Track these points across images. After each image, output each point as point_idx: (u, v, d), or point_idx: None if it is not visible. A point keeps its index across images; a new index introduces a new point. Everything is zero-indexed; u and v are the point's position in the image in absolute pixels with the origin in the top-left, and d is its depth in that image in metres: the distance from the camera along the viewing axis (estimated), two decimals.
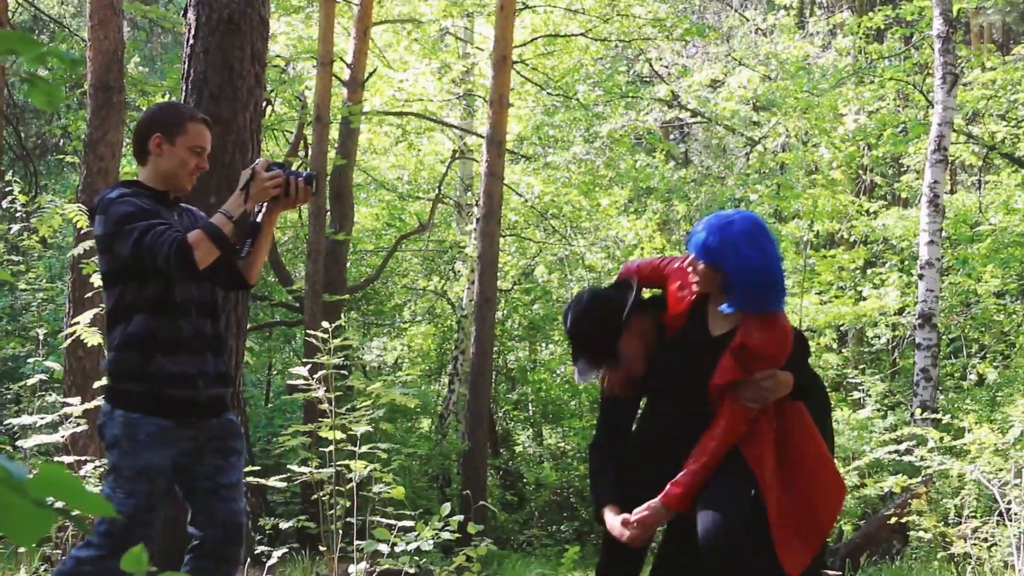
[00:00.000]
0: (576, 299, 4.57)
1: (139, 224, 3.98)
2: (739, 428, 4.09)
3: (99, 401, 6.20)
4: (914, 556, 9.90)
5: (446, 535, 5.96)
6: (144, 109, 16.59)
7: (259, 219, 4.28)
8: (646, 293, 4.55)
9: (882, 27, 17.41)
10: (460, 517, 6.15)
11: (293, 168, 4.34)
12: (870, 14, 17.35)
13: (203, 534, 4.16)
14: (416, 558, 6.03)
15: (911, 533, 8.83)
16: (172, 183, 4.25)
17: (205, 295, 4.26)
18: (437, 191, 19.75)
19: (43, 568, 6.04)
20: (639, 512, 4.13)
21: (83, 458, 6.13)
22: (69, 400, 6.04)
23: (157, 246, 3.94)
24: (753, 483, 4.05)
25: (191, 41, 5.10)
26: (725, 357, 4.13)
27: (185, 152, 4.20)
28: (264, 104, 5.65)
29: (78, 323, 5.97)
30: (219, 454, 4.20)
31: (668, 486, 4.09)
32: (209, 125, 4.34)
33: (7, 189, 14.87)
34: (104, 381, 4.15)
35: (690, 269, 4.21)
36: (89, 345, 6.22)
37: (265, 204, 4.25)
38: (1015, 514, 6.82)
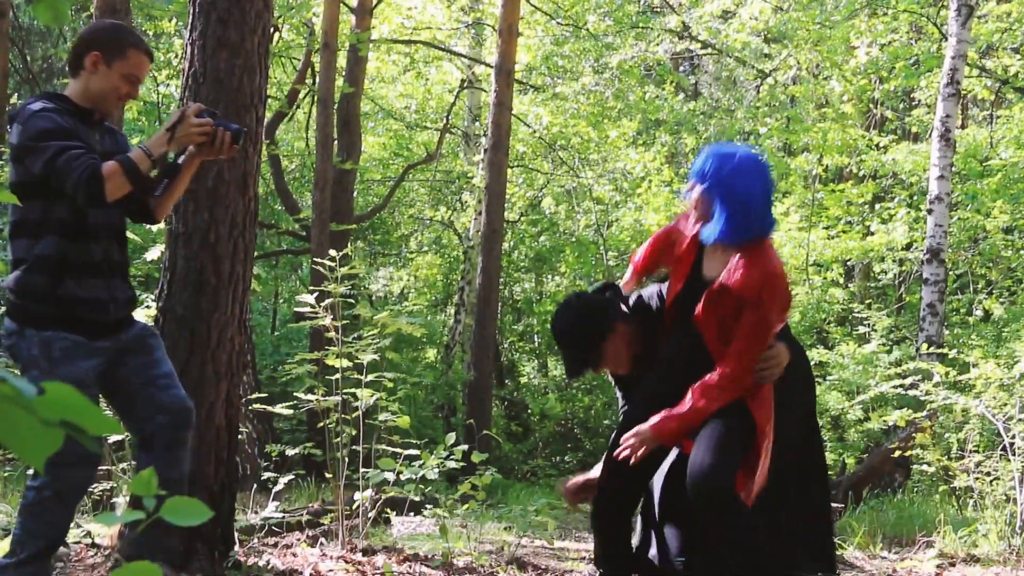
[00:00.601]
0: (564, 302, 4.70)
1: (55, 143, 3.90)
2: (743, 378, 4.07)
3: None
4: (916, 489, 9.96)
5: (451, 464, 5.99)
6: (151, 33, 16.53)
7: (180, 161, 4.24)
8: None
9: None
10: (465, 446, 6.18)
11: (225, 120, 4.28)
12: None
13: (148, 425, 4.09)
14: (421, 486, 6.07)
15: (914, 467, 8.89)
16: (99, 104, 4.17)
17: (114, 219, 4.19)
18: (445, 121, 19.65)
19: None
20: (627, 436, 4.15)
21: None
22: None
23: (70, 170, 3.87)
24: (751, 436, 4.07)
25: None
26: (704, 297, 4.14)
27: (119, 78, 4.13)
28: (272, 30, 5.61)
29: None
30: (141, 352, 4.16)
31: (661, 416, 4.11)
32: (151, 57, 4.26)
33: (13, 112, 14.80)
34: (7, 297, 4.07)
35: (691, 196, 4.25)
36: None
37: (189, 150, 4.20)
38: (1018, 448, 6.84)
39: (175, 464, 4.09)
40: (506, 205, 16.23)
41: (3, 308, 4.26)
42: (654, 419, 4.11)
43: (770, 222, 4.26)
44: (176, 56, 16.08)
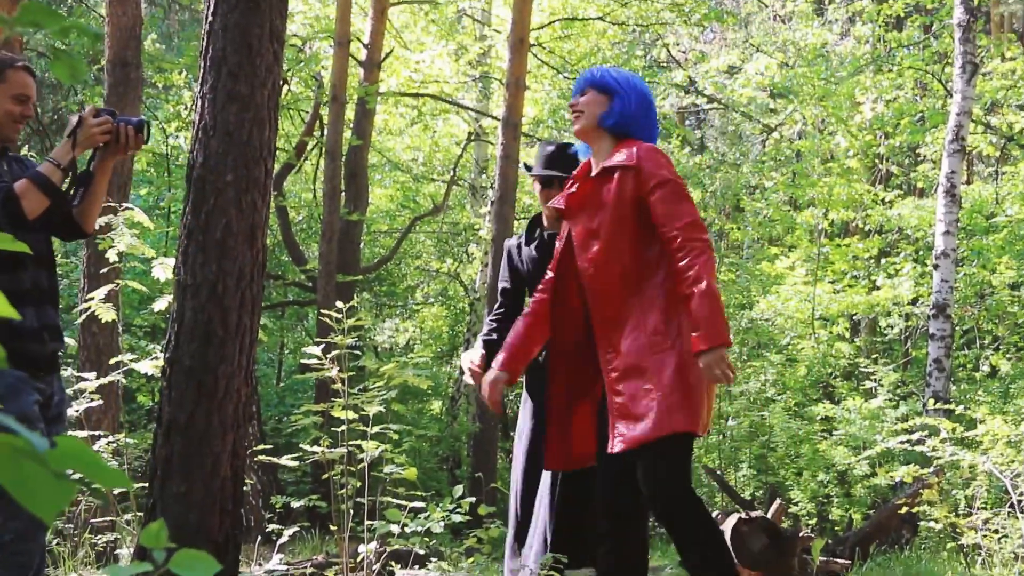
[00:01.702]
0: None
1: None
2: (699, 232, 4.00)
3: (115, 376, 6.24)
4: (924, 546, 9.89)
5: (456, 517, 5.98)
6: (161, 86, 16.65)
7: (92, 167, 4.26)
8: None
9: (902, 15, 17.32)
10: (471, 499, 6.16)
11: (137, 118, 4.33)
12: (890, 1, 17.26)
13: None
14: (427, 539, 6.05)
15: (921, 523, 8.83)
16: None
17: (41, 246, 4.17)
18: (452, 173, 19.74)
19: (56, 542, 6.08)
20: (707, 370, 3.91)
21: (96, 433, 6.16)
22: (83, 375, 6.06)
23: None
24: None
25: (210, 18, 5.08)
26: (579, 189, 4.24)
27: (7, 100, 4.12)
28: (282, 83, 5.64)
29: (92, 299, 5.99)
30: (57, 418, 4.19)
31: (702, 326, 3.86)
32: (32, 73, 4.24)
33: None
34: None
35: (572, 107, 4.35)
36: (103, 321, 6.25)
37: (98, 153, 4.22)
38: None
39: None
40: None
41: None
42: (700, 333, 3.86)
43: (655, 128, 4.38)
44: (186, 108, 16.18)
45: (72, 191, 4.23)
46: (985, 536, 7.19)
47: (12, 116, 4.15)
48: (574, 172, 4.42)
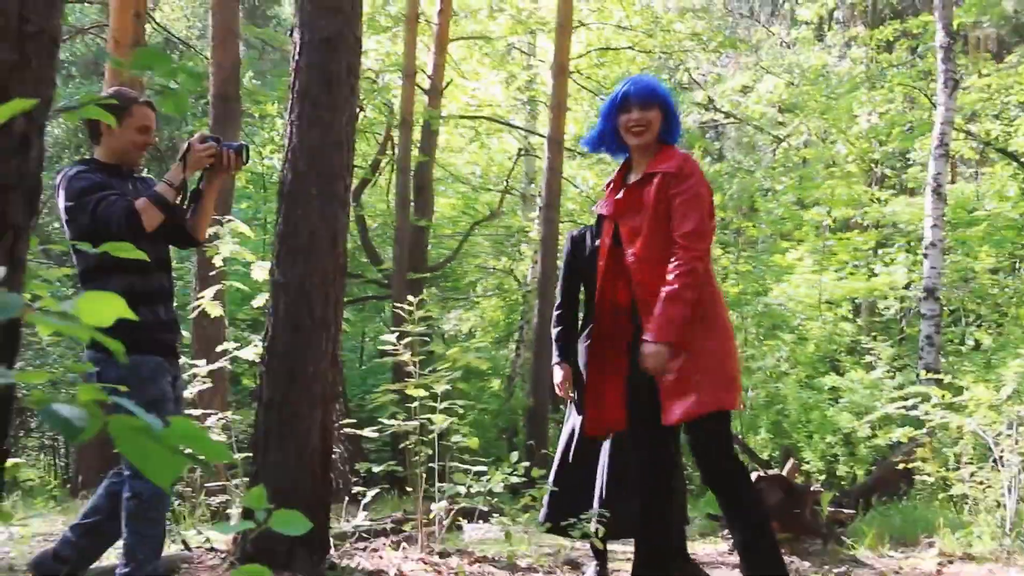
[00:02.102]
0: None
1: (93, 196, 3.95)
2: (699, 242, 3.83)
3: (222, 363, 6.31)
4: (919, 497, 9.79)
5: (514, 479, 5.98)
6: (257, 116, 16.79)
7: (201, 186, 4.29)
8: None
9: (891, 39, 17.11)
10: (526, 463, 6.17)
11: (237, 142, 4.36)
12: (881, 28, 17.06)
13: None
14: (489, 498, 6.06)
15: (916, 477, 8.74)
16: (123, 159, 4.21)
17: (160, 253, 4.22)
18: (505, 184, 19.74)
19: (177, 503, 6.15)
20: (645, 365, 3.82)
21: (208, 411, 6.22)
22: (196, 362, 6.12)
23: (109, 214, 3.91)
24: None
25: (296, 57, 5.12)
26: (626, 192, 3.99)
27: (132, 132, 4.16)
28: (357, 110, 5.67)
29: (202, 297, 6.05)
30: (178, 399, 4.23)
31: (656, 322, 3.78)
32: (152, 107, 4.24)
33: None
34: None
35: (634, 122, 3.98)
36: (212, 316, 6.31)
37: (206, 174, 4.25)
38: (1007, 460, 6.73)
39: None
40: (558, 255, 16.25)
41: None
42: (652, 326, 3.78)
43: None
44: (278, 134, 16.29)
45: (186, 207, 4.29)
46: (971, 487, 7.10)
47: (136, 145, 4.20)
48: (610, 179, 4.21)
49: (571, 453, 5.10)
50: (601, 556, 5.19)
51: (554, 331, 5.25)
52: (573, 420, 5.14)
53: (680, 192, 3.85)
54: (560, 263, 5.75)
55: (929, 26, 14.93)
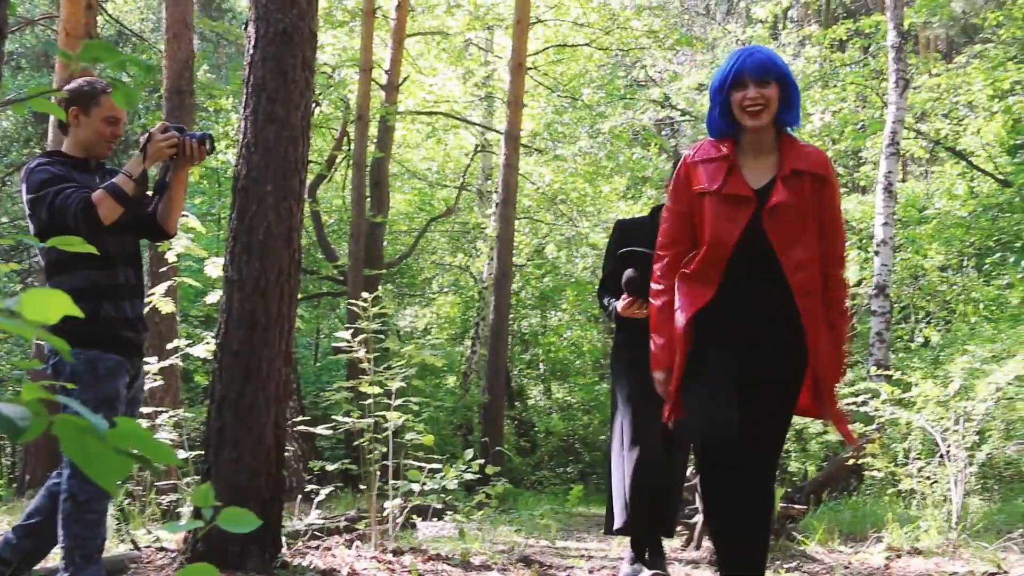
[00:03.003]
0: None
1: (51, 188, 3.89)
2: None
3: (174, 360, 6.25)
4: (868, 492, 9.91)
5: (468, 476, 5.98)
6: (211, 110, 16.65)
7: (168, 178, 4.21)
8: None
9: (844, 38, 17.28)
10: (480, 461, 6.17)
11: (201, 132, 4.28)
12: (834, 27, 17.22)
13: None
14: (443, 495, 6.06)
15: (866, 473, 8.83)
16: (91, 150, 4.10)
17: (127, 247, 4.14)
18: (462, 180, 19.73)
19: (127, 502, 6.08)
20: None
21: (160, 409, 6.17)
22: (148, 359, 6.07)
23: (66, 206, 3.84)
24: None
25: (251, 51, 5.08)
26: (779, 185, 3.45)
27: (100, 122, 4.06)
28: (313, 105, 5.65)
29: (154, 294, 5.99)
30: (138, 391, 4.17)
31: (831, 364, 3.47)
32: None
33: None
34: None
35: (751, 100, 3.46)
36: (164, 312, 6.25)
37: (172, 164, 4.18)
38: (953, 455, 6.82)
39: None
40: (514, 251, 16.27)
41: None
42: (823, 371, 3.44)
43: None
44: (233, 128, 16.16)
45: (152, 198, 4.22)
46: (919, 482, 7.19)
47: (104, 136, 4.10)
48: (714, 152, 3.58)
49: (643, 457, 4.83)
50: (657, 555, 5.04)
51: (603, 300, 5.05)
52: (632, 422, 4.87)
53: (834, 206, 3.51)
54: (516, 260, 5.68)
55: (881, 26, 15.11)
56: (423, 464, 5.84)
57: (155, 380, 6.03)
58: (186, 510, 5.75)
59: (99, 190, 3.90)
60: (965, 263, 16.59)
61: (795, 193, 3.43)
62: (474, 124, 20.07)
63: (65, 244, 1.81)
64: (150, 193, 4.26)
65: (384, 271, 16.66)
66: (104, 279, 4.01)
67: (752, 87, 3.46)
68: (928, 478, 7.20)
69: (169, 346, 6.34)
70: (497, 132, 18.05)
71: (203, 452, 4.87)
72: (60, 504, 3.87)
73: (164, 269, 7.12)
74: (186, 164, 4.18)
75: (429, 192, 21.17)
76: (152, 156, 4.05)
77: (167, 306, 6.01)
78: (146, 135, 4.08)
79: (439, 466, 5.90)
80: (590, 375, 19.71)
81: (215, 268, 5.81)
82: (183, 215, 5.94)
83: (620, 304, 4.84)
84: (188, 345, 6.09)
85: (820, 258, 3.46)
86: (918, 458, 7.71)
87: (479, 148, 20.15)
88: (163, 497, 6.35)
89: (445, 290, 21.91)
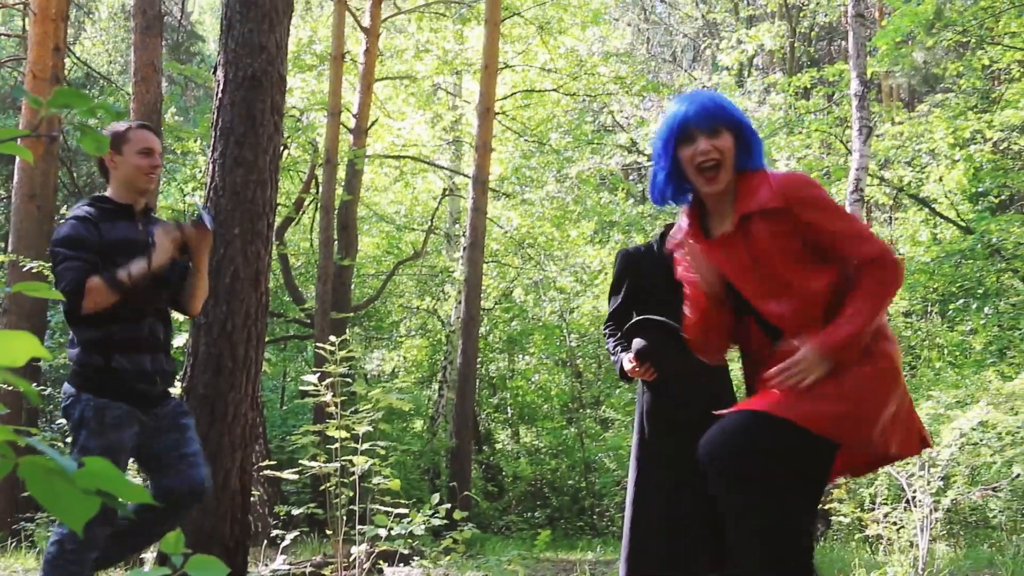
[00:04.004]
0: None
1: (63, 251, 3.91)
2: (886, 251, 2.95)
3: None
4: (835, 537, 9.92)
5: (436, 521, 5.95)
6: (179, 152, 16.62)
7: (189, 264, 4.20)
8: None
9: (808, 86, 17.54)
10: (448, 505, 6.15)
11: (194, 214, 4.28)
12: (798, 75, 17.48)
13: (174, 493, 3.95)
14: (410, 540, 6.02)
15: (832, 518, 8.87)
16: (133, 187, 4.12)
17: (158, 301, 4.15)
18: (429, 223, 19.76)
19: None
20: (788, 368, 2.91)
21: None
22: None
23: (61, 279, 3.87)
24: None
25: (220, 95, 5.11)
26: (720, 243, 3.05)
27: (134, 156, 4.10)
28: (282, 148, 5.67)
29: None
30: (175, 429, 4.09)
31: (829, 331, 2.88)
32: (152, 129, 4.21)
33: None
34: (71, 366, 4.03)
35: (702, 156, 3.00)
36: None
37: (190, 253, 4.16)
38: (919, 501, 6.86)
39: (176, 522, 4.00)
40: (482, 295, 16.27)
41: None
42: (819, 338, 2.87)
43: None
44: (200, 172, 16.14)
45: (179, 284, 4.21)
46: (886, 527, 7.22)
47: (142, 168, 4.12)
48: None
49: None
50: None
51: (610, 341, 4.85)
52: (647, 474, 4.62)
53: (820, 229, 2.95)
54: (484, 303, 5.64)
55: (844, 74, 15.35)
56: (390, 509, 5.81)
57: None
58: (150, 556, 5.68)
59: (97, 278, 3.89)
60: (929, 309, 16.77)
61: (748, 246, 2.99)
62: (442, 168, 20.15)
63: (30, 290, 1.80)
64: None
65: (352, 314, 16.61)
66: (121, 331, 4.00)
67: (702, 139, 2.99)
68: (894, 523, 7.24)
69: None
70: (465, 176, 18.12)
71: None
72: (47, 547, 3.88)
73: None
74: (199, 250, 4.16)
75: (397, 235, 21.18)
76: (157, 260, 4.02)
77: None
78: (152, 242, 4.06)
79: (406, 511, 5.87)
80: (558, 419, 19.68)
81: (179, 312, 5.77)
82: None
83: (627, 365, 4.62)
84: None
85: (834, 285, 2.96)
86: (884, 503, 7.75)
87: (447, 192, 20.22)
88: None
89: (412, 334, 21.86)
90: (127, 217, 4.12)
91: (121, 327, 4.00)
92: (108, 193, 4.17)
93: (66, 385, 4.04)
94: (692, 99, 3.05)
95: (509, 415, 20.85)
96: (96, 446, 3.85)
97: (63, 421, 4.01)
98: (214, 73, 5.24)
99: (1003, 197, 16.81)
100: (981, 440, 8.10)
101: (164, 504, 3.97)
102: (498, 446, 20.42)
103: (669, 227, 4.32)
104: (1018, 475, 7.88)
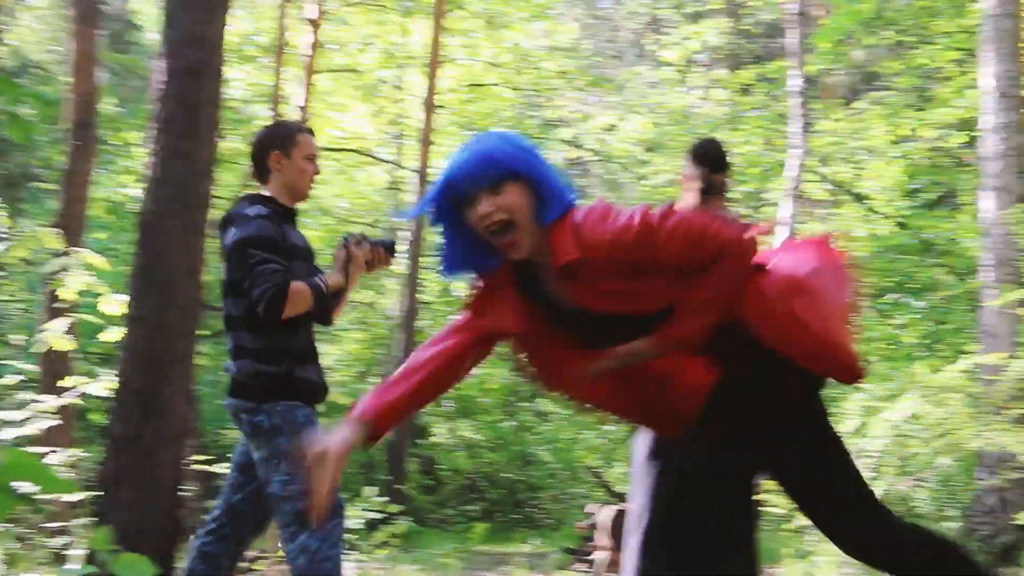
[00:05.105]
0: None
1: (258, 252, 3.72)
2: (742, 245, 2.58)
3: (70, 398, 6.13)
4: (766, 528, 10.08)
5: (371, 514, 5.96)
6: (118, 144, 16.40)
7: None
8: None
9: (751, 82, 17.74)
10: (384, 499, 6.17)
11: (386, 239, 4.18)
12: (740, 71, 17.69)
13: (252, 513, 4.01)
14: (345, 534, 6.03)
15: (763, 509, 9.00)
16: (297, 192, 4.00)
17: (311, 310, 3.92)
18: (372, 217, 19.71)
19: (18, 547, 5.93)
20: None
21: (53, 449, 6.04)
22: (42, 398, 5.94)
23: (259, 279, 3.68)
24: None
25: (159, 86, 5.09)
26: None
27: (302, 161, 3.98)
28: (219, 140, 5.65)
29: (46, 330, 5.88)
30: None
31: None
32: (313, 134, 4.09)
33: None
34: (239, 380, 3.84)
35: (489, 217, 2.51)
36: (60, 350, 6.13)
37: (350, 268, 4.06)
38: None
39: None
40: (422, 288, 16.27)
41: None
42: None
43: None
44: (137, 163, 15.95)
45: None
46: None
47: (309, 175, 4.00)
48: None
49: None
50: None
51: None
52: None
53: (643, 259, 2.51)
54: (424, 297, 5.67)
55: (785, 71, 15.55)
56: None
57: (51, 419, 5.90)
58: (78, 553, 5.63)
59: (302, 283, 3.77)
60: (864, 303, 17.01)
61: (588, 286, 2.57)
62: (385, 161, 20.10)
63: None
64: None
65: None
66: (301, 341, 3.91)
67: (484, 200, 2.50)
68: None
69: (64, 383, 6.23)
70: (408, 169, 18.09)
71: (99, 493, 4.80)
72: (291, 563, 3.81)
73: (55, 305, 6.99)
74: (373, 270, 4.11)
75: (339, 229, 21.08)
76: (354, 272, 3.97)
77: (61, 343, 5.91)
78: (345, 254, 3.97)
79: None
80: (494, 413, 19.73)
81: (114, 305, 5.73)
82: (78, 251, 5.87)
83: None
84: (85, 383, 5.98)
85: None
86: None
87: (390, 185, 20.17)
88: (53, 540, 6.21)
89: (351, 327, 21.79)
90: (293, 221, 4.02)
91: (300, 337, 3.88)
92: (271, 195, 4.00)
93: (238, 401, 3.82)
94: (463, 154, 2.56)
95: (446, 408, 20.88)
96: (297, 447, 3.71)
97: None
98: (152, 63, 5.21)
99: (935, 195, 17.12)
100: (911, 432, 8.28)
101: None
102: (435, 440, 20.44)
103: None
104: (944, 465, 8.07)
